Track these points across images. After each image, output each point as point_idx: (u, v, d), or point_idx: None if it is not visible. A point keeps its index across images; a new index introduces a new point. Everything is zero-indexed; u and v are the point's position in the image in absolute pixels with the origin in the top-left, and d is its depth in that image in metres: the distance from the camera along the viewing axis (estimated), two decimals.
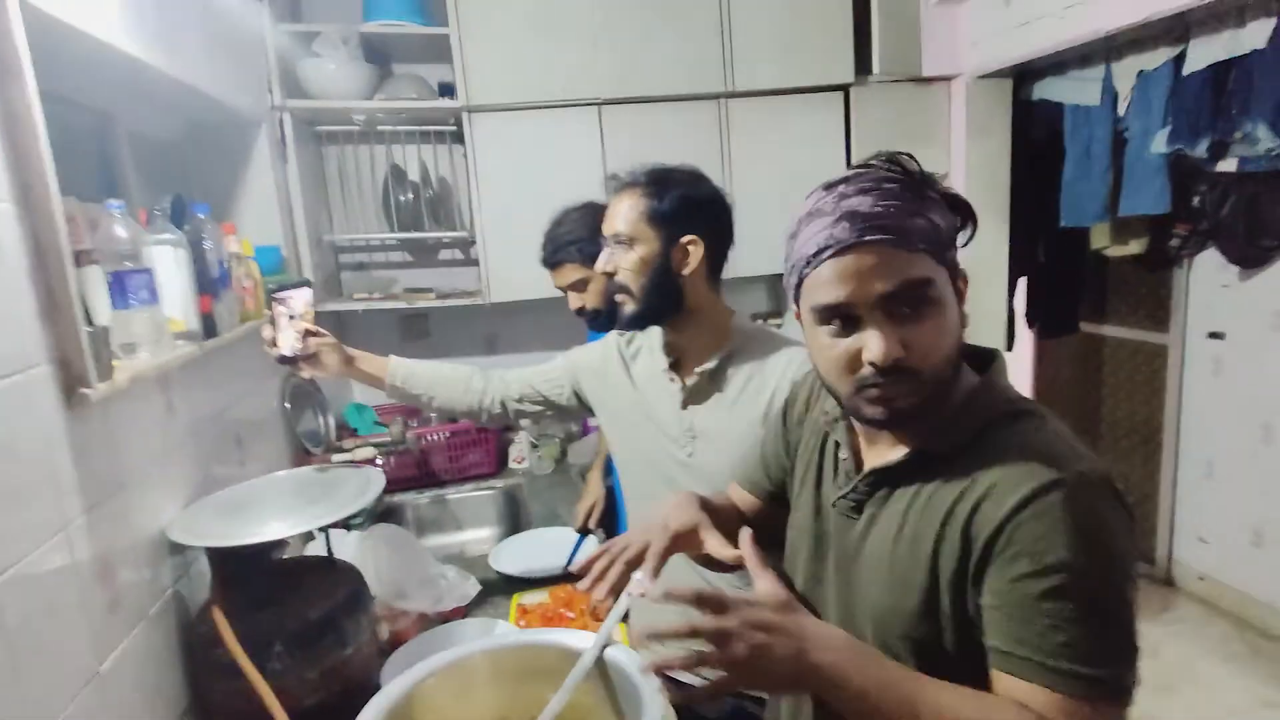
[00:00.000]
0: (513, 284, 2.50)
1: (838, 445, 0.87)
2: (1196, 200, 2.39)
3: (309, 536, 1.85)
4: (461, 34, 2.33)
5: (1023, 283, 3.27)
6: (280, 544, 1.32)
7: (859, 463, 0.84)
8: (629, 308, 1.32)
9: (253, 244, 1.88)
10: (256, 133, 2.10)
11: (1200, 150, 2.15)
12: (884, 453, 0.80)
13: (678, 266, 1.29)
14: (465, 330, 2.89)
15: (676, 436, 1.35)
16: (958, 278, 0.76)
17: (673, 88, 2.50)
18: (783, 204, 2.58)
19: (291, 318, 1.47)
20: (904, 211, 0.71)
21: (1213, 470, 3.03)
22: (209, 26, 1.75)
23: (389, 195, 2.57)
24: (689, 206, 1.29)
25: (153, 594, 1.19)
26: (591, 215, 1.72)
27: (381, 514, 2.22)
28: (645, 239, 1.29)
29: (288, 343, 1.46)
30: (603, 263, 1.35)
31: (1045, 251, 3.10)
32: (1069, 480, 0.66)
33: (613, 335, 1.52)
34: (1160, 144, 2.23)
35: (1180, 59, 2.17)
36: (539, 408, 1.56)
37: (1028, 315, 3.38)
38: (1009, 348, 3.04)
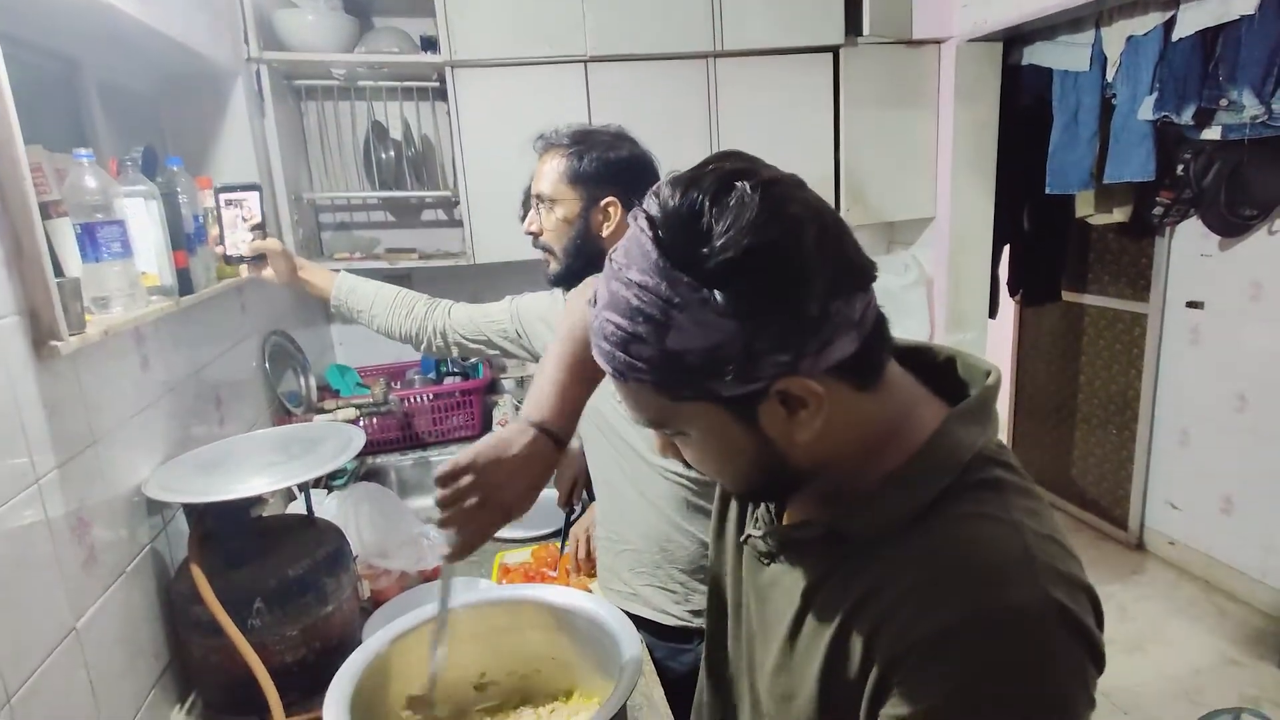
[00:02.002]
0: (497, 245, 2.47)
1: None
2: (1181, 168, 2.39)
3: (290, 496, 1.84)
4: None
5: (1007, 250, 3.29)
6: (260, 502, 1.32)
7: (780, 510, 0.71)
8: (552, 267, 1.42)
9: None
10: (232, 85, 2.04)
11: (1186, 117, 2.15)
12: (801, 511, 0.68)
13: (596, 228, 1.35)
14: (449, 292, 2.80)
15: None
16: (758, 402, 0.54)
17: (661, 46, 2.45)
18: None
19: (244, 220, 1.47)
20: (624, 339, 0.54)
21: (1187, 438, 3.08)
22: None
23: (370, 153, 2.52)
24: (609, 167, 1.33)
25: (130, 551, 1.18)
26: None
27: (364, 475, 2.21)
28: (566, 199, 1.36)
29: (236, 243, 1.46)
30: (528, 223, 1.42)
31: (1029, 219, 3.11)
32: (1001, 617, 0.50)
33: (559, 290, 1.53)
34: (1146, 110, 2.22)
35: (1170, 24, 2.15)
36: (479, 345, 1.64)
37: (1010, 283, 3.40)
38: (992, 315, 3.05)
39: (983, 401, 0.62)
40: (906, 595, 0.54)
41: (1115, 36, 2.35)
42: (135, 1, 1.44)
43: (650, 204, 0.54)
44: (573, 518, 1.72)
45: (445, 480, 0.78)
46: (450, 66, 2.33)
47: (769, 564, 0.67)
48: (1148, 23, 2.24)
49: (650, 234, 0.53)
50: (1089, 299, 3.43)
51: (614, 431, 1.38)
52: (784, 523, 0.69)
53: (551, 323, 1.50)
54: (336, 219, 2.74)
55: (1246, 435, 2.84)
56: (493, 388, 2.66)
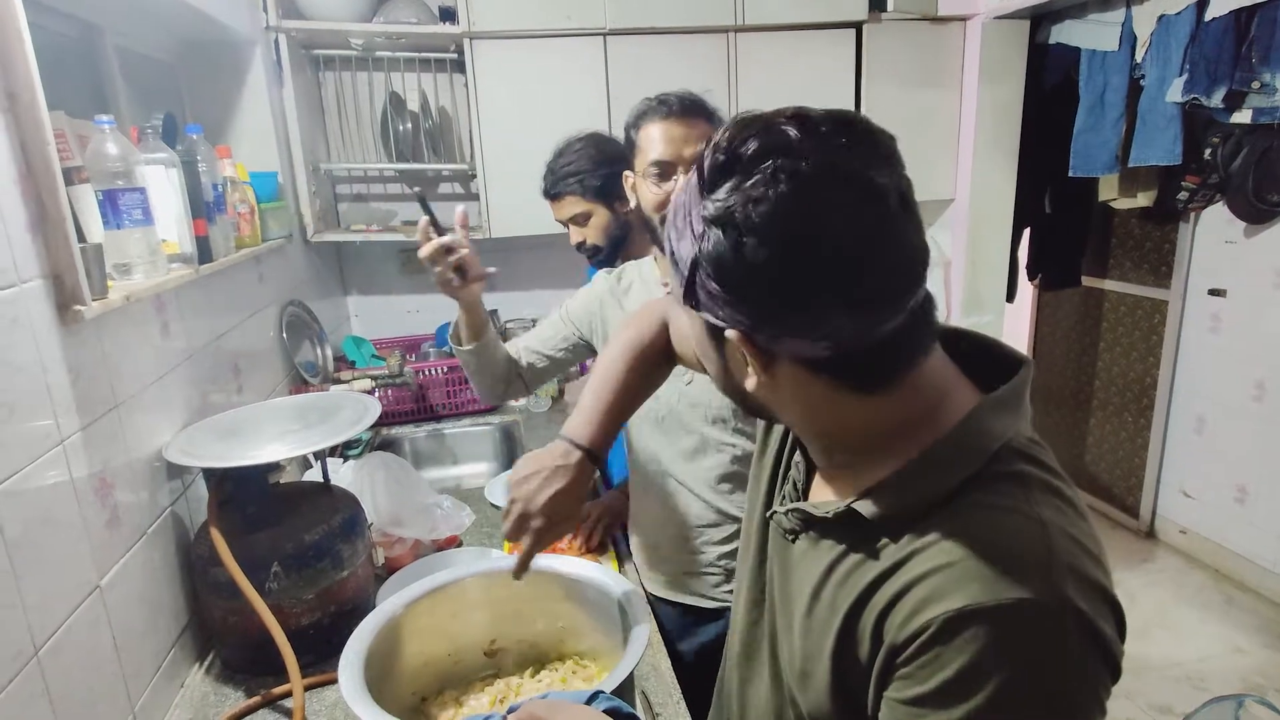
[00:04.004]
0: (514, 219, 2.47)
1: (799, 448, 0.72)
2: (1208, 153, 2.34)
3: (306, 464, 1.87)
4: None
5: (1027, 234, 3.25)
6: (277, 468, 1.34)
7: (808, 484, 0.71)
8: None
9: (248, 169, 1.85)
10: (251, 53, 2.04)
11: (1216, 100, 2.11)
12: (823, 490, 0.68)
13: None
14: None
15: None
16: (718, 330, 0.57)
17: (681, 20, 2.42)
18: None
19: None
20: (672, 218, 0.61)
21: (1203, 427, 3.06)
22: None
23: (388, 125, 2.52)
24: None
25: (151, 513, 1.20)
26: (594, 147, 1.69)
27: (379, 446, 2.24)
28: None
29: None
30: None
31: (1051, 202, 3.07)
32: (1012, 607, 0.50)
33: (600, 277, 1.50)
34: (1175, 92, 2.18)
35: (1203, 4, 2.10)
36: (552, 367, 1.53)
37: (1029, 267, 3.36)
38: (1010, 299, 3.03)
39: (1015, 392, 0.60)
40: (919, 580, 0.53)
41: (1146, 16, 2.30)
42: None
43: (718, 133, 0.56)
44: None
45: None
46: (468, 38, 2.32)
47: (794, 540, 0.68)
48: (1180, 1, 2.18)
49: (705, 158, 0.55)
50: (1110, 284, 3.39)
51: (675, 417, 1.37)
52: (809, 500, 0.69)
53: (604, 319, 1.45)
54: (353, 190, 2.75)
55: (1264, 424, 2.81)
56: None
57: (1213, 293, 2.93)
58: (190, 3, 1.64)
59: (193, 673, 1.27)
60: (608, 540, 1.58)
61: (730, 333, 0.56)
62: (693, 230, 0.55)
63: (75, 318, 0.99)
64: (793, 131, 0.52)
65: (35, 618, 0.87)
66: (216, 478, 1.25)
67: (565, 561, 0.96)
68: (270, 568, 1.22)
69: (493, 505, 1.79)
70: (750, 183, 0.51)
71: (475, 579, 0.96)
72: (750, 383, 0.59)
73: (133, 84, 1.74)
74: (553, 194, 1.69)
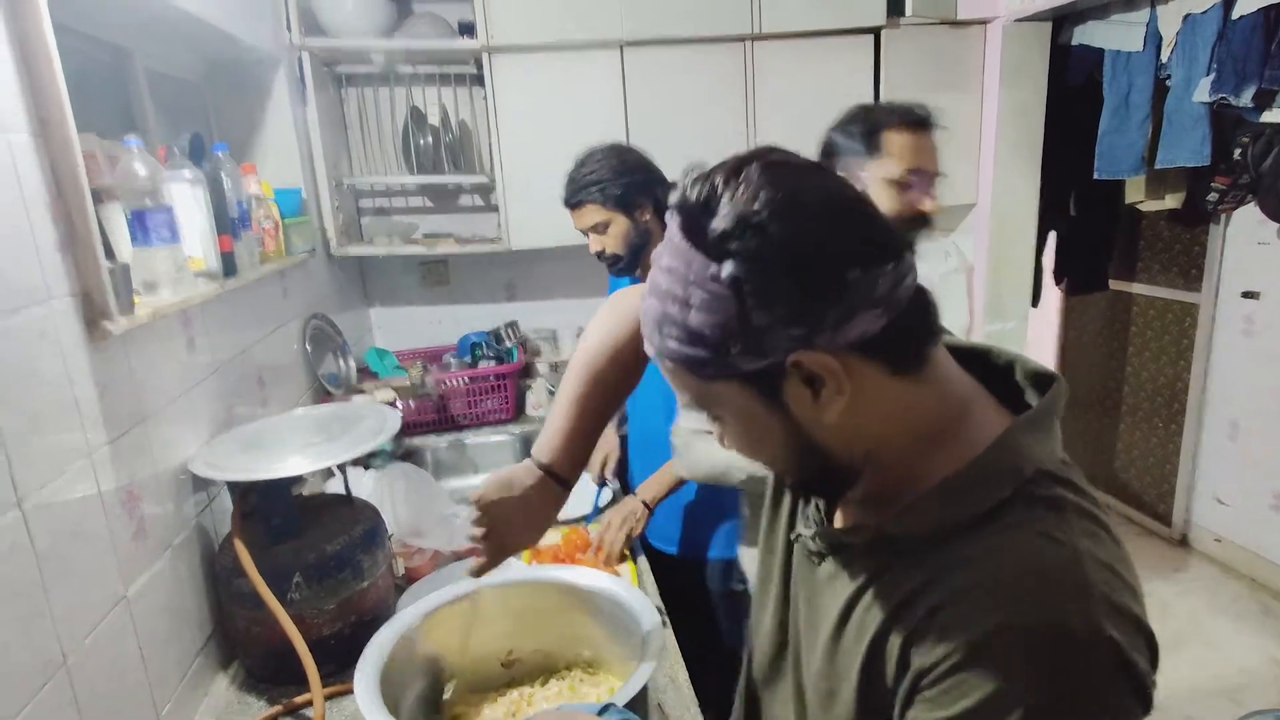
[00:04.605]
0: (533, 231, 2.48)
1: None
2: (1238, 152, 2.30)
3: (329, 474, 1.89)
4: None
5: (1052, 237, 3.20)
6: (299, 480, 1.35)
7: (831, 509, 0.70)
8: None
9: (272, 186, 1.88)
10: (275, 72, 2.08)
11: (1245, 99, 2.06)
12: (850, 513, 0.68)
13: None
14: (484, 277, 2.89)
15: None
16: (780, 380, 0.54)
17: (697, 29, 2.42)
18: (808, 152, 2.54)
19: None
20: (659, 320, 0.56)
21: (1236, 432, 2.99)
22: None
23: (409, 139, 2.55)
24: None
25: (177, 525, 1.23)
26: (616, 156, 1.70)
27: (401, 456, 2.26)
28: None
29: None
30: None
31: (1076, 205, 3.02)
32: (1043, 633, 0.49)
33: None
34: (1203, 92, 2.14)
35: (1230, 2, 2.06)
36: None
37: (1055, 271, 3.31)
38: (1035, 304, 2.99)
39: (1047, 411, 0.59)
40: (948, 602, 0.52)
41: (1171, 15, 2.27)
42: None
43: (676, 194, 0.56)
44: (602, 497, 1.75)
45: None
46: (487, 51, 2.35)
47: (819, 563, 0.67)
48: (1207, 0, 2.15)
49: (676, 219, 0.55)
50: (1138, 288, 3.33)
51: None
52: (834, 525, 0.69)
53: None
54: (375, 204, 2.79)
55: None
56: (527, 371, 2.69)
57: (1246, 295, 2.87)
58: (215, 25, 1.67)
59: (217, 681, 1.30)
60: (626, 550, 1.58)
61: (794, 358, 0.52)
62: (705, 290, 0.52)
63: (103, 334, 1.02)
64: (748, 153, 0.56)
65: (63, 627, 0.89)
66: (240, 490, 1.28)
67: (579, 573, 0.96)
68: (292, 578, 1.24)
69: None
70: (740, 190, 0.52)
71: (492, 590, 0.97)
72: (832, 410, 0.55)
73: (161, 104, 1.78)
74: (573, 203, 1.70)
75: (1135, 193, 2.80)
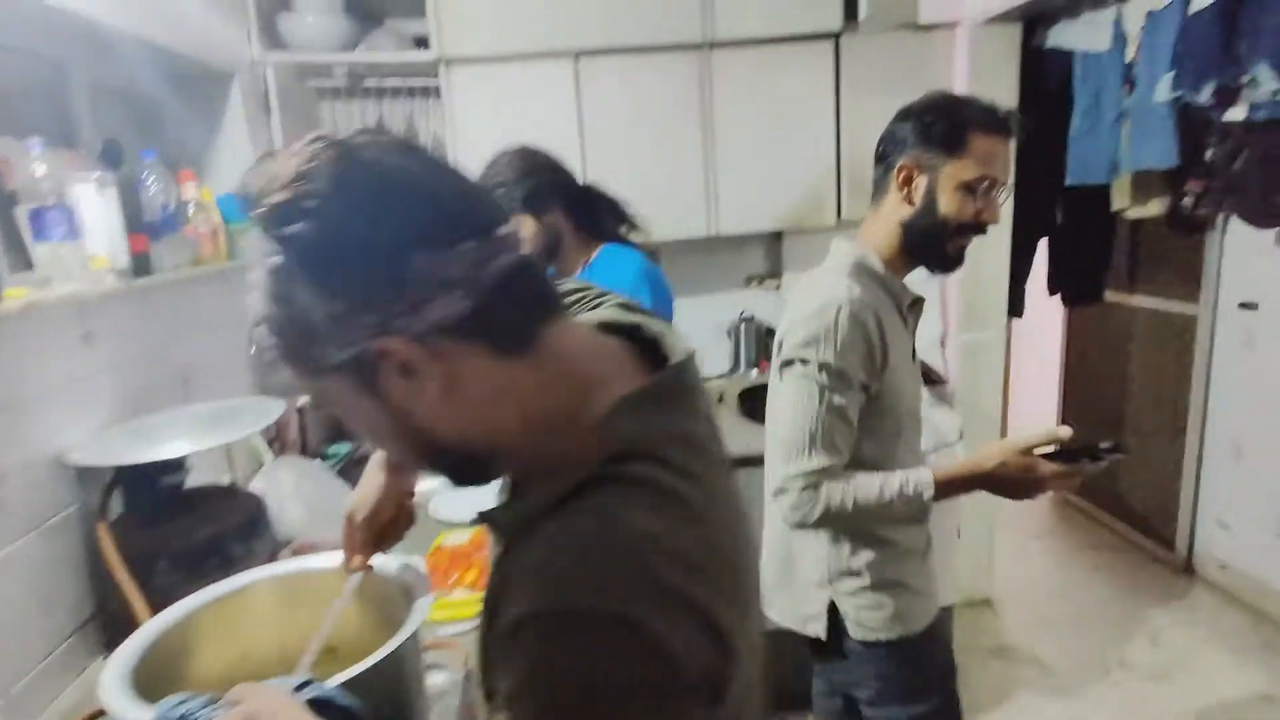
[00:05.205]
0: None
1: None
2: (1209, 154, 2.18)
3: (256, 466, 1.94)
4: None
5: (1044, 246, 3.09)
6: (179, 469, 1.40)
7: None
8: None
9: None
10: (229, 86, 2.17)
11: (1204, 97, 1.96)
12: None
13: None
14: None
15: None
16: (373, 370, 0.53)
17: (651, 37, 2.44)
18: (768, 160, 2.53)
19: None
20: (254, 320, 0.55)
21: (1240, 452, 2.81)
22: None
23: None
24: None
25: (51, 508, 1.28)
26: (520, 159, 1.71)
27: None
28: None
29: None
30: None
31: (1063, 213, 2.91)
32: (561, 616, 0.48)
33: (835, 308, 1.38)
34: (1163, 91, 2.04)
35: None
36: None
37: (1049, 282, 3.19)
38: (1017, 314, 2.88)
39: (663, 387, 0.58)
40: (505, 586, 0.53)
41: (1135, 12, 2.18)
42: (121, 13, 1.57)
43: (243, 177, 0.54)
44: None
45: None
46: (443, 63, 2.40)
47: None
48: None
49: (244, 205, 0.53)
50: (1137, 299, 3.18)
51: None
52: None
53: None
54: None
55: None
56: None
57: (1244, 306, 2.71)
58: (159, 44, 1.76)
59: (96, 664, 1.33)
60: None
61: (377, 346, 0.51)
62: (273, 280, 0.51)
63: None
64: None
65: None
66: (115, 475, 1.33)
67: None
68: (157, 562, 1.28)
69: (436, 520, 1.80)
70: (296, 175, 0.50)
71: (267, 583, 0.98)
72: (429, 397, 0.53)
73: (110, 117, 1.88)
74: None
75: (1121, 199, 2.68)
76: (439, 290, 0.51)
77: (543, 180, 1.67)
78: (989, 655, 2.63)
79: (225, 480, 1.52)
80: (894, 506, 1.19)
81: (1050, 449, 1.20)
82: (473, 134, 2.47)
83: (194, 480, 1.48)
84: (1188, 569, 3.06)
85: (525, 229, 1.71)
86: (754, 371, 2.94)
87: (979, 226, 1.26)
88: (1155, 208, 2.59)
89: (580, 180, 1.78)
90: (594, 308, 0.75)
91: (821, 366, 1.19)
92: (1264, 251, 2.60)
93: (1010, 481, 1.19)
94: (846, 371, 1.19)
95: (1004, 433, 3.67)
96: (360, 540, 0.91)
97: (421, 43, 2.44)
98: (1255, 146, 2.03)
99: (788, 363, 1.24)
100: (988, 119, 1.25)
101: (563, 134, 2.47)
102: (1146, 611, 2.83)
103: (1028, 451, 1.18)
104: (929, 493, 1.19)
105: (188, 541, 1.30)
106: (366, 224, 0.50)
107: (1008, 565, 3.10)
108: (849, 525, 1.27)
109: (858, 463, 1.24)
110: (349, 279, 0.51)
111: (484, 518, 0.61)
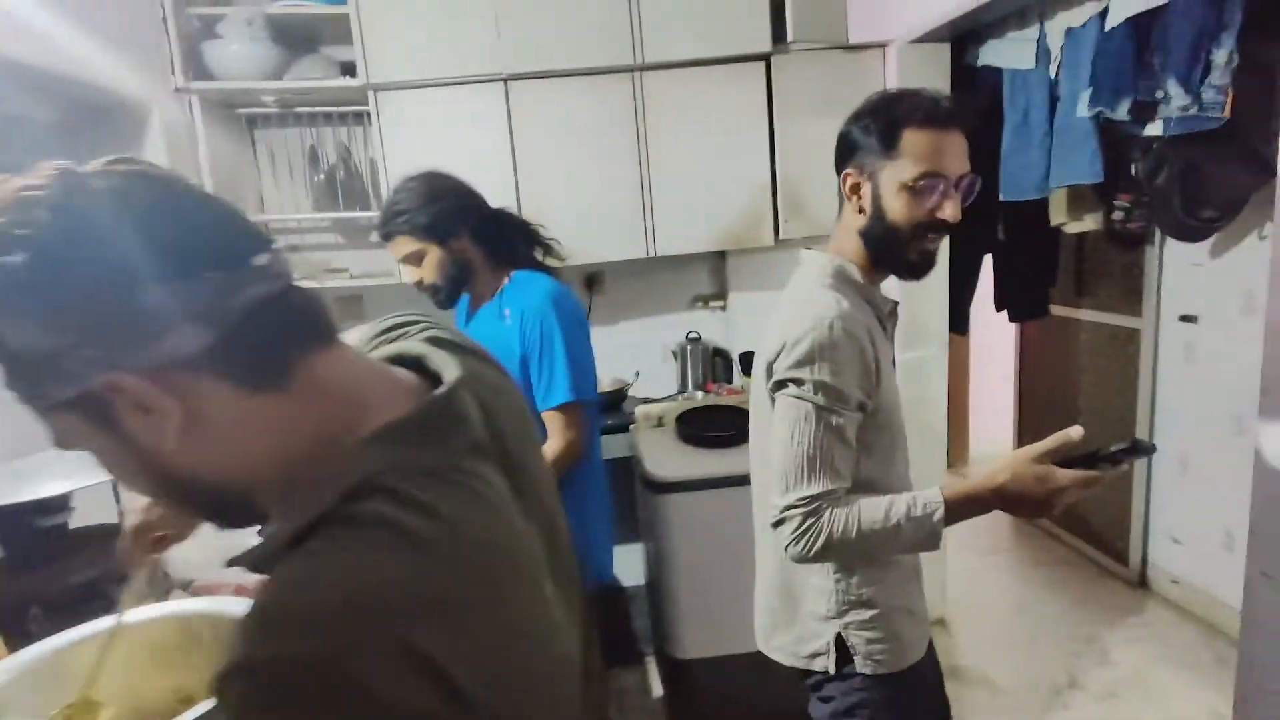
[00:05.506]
0: None
1: None
2: (1135, 169, 2.19)
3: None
4: (360, 11, 2.33)
5: (989, 263, 3.10)
6: (60, 510, 1.35)
7: None
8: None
9: None
10: (148, 115, 2.15)
11: (1121, 112, 1.97)
12: None
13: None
14: (397, 311, 2.90)
15: None
16: (108, 407, 0.50)
17: (579, 61, 2.44)
18: (703, 181, 2.52)
19: None
20: None
21: (1186, 465, 2.80)
22: (92, 15, 1.80)
23: (306, 177, 2.60)
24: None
25: None
26: (424, 184, 1.67)
27: None
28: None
29: None
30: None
31: (1005, 230, 2.92)
32: (263, 666, 0.45)
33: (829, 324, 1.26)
34: (1083, 106, 2.05)
35: (1105, 13, 1.99)
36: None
37: (996, 298, 3.19)
38: (960, 330, 2.88)
39: (424, 417, 0.56)
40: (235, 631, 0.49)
41: (1057, 29, 2.20)
42: (12, 42, 1.54)
43: None
44: None
45: None
46: (371, 90, 2.39)
47: None
48: (1085, 12, 2.08)
49: None
50: (1084, 313, 3.19)
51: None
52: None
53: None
54: (289, 241, 2.84)
55: (1245, 461, 2.54)
56: None
57: (1184, 319, 2.72)
58: (63, 75, 1.74)
59: None
60: None
61: (106, 382, 0.48)
62: None
63: None
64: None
65: None
66: None
67: (182, 603, 0.93)
68: (29, 609, 1.23)
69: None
70: (9, 201, 0.47)
71: (79, 646, 0.93)
72: (167, 435, 0.50)
73: (28, 147, 1.85)
74: (384, 234, 1.69)
75: (1058, 214, 2.69)
76: (176, 322, 0.49)
77: (447, 206, 1.64)
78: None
79: (116, 519, 1.47)
80: (902, 531, 1.08)
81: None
82: (404, 160, 2.43)
83: (81, 520, 1.43)
84: (1142, 583, 3.04)
85: (431, 257, 1.68)
86: (699, 394, 2.91)
87: (937, 225, 1.17)
88: (1091, 222, 2.60)
89: (494, 205, 1.75)
90: (413, 339, 0.73)
91: (817, 386, 1.10)
92: (1200, 265, 2.61)
93: (1027, 494, 1.06)
94: (843, 390, 1.11)
95: (951, 453, 3.66)
96: (134, 551, 0.89)
97: (350, 70, 2.43)
98: (1174, 161, 2.04)
99: (780, 384, 1.15)
100: (921, 113, 1.14)
101: (495, 159, 2.47)
102: (1099, 628, 2.80)
103: (1040, 460, 1.07)
104: (939, 512, 1.08)
105: (60, 587, 1.25)
106: (89, 254, 0.48)
107: (962, 582, 3.07)
108: (852, 555, 1.17)
109: (856, 482, 1.16)
110: (70, 311, 0.48)
111: (233, 563, 0.58)
